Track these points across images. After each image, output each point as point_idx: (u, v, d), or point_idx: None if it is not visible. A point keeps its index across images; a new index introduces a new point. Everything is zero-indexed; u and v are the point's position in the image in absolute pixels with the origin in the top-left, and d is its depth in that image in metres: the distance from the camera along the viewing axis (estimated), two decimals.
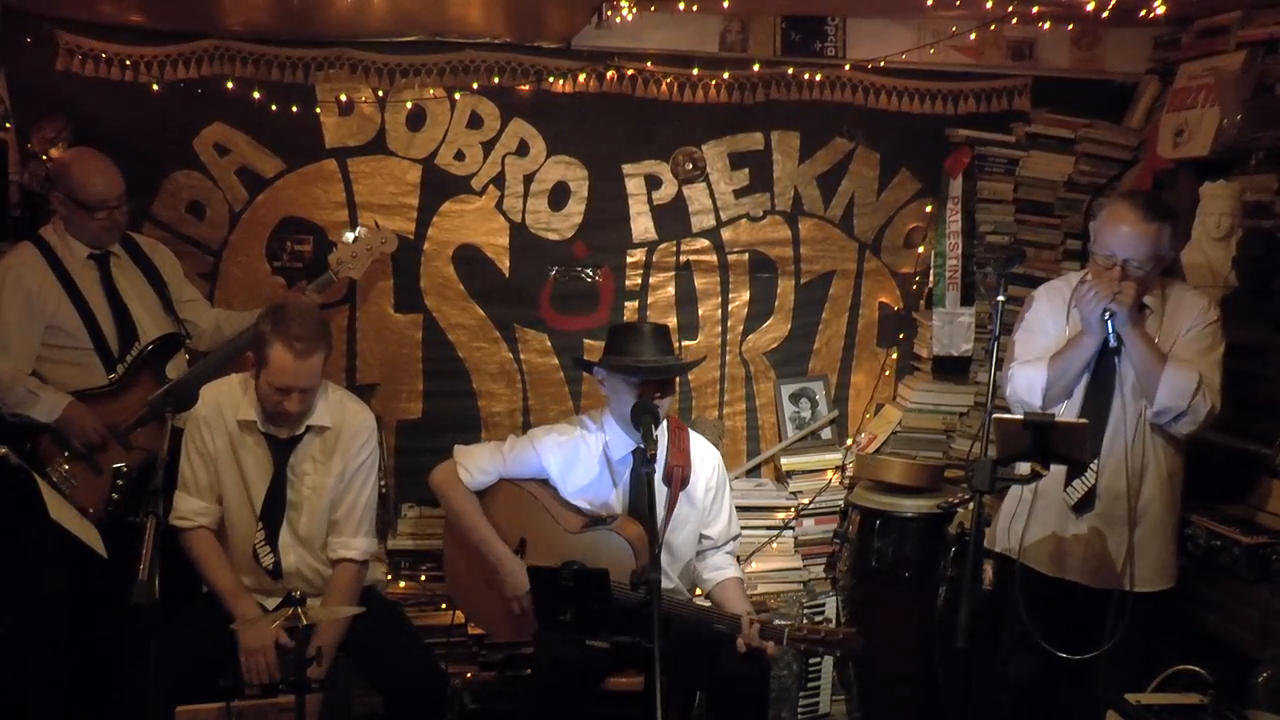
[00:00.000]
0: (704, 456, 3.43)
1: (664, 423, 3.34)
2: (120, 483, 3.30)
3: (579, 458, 3.36)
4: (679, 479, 3.32)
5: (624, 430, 3.31)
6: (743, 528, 3.99)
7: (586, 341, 4.14)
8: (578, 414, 3.69)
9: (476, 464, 3.37)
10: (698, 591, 3.50)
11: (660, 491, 3.27)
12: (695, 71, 4.06)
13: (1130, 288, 2.88)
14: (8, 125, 3.70)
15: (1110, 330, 2.87)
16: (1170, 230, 2.96)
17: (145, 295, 3.53)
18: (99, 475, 3.33)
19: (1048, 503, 3.08)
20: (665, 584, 3.02)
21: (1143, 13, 3.76)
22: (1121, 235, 2.91)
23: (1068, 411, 3.05)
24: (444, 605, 3.83)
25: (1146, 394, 2.95)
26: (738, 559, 3.50)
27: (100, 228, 3.40)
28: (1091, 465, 3.00)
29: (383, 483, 3.40)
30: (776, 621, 3.06)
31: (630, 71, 4.03)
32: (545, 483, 3.39)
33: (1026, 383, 3.03)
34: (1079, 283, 3.03)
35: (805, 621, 3.16)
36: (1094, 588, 3.04)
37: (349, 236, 3.78)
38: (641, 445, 3.23)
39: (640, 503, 3.27)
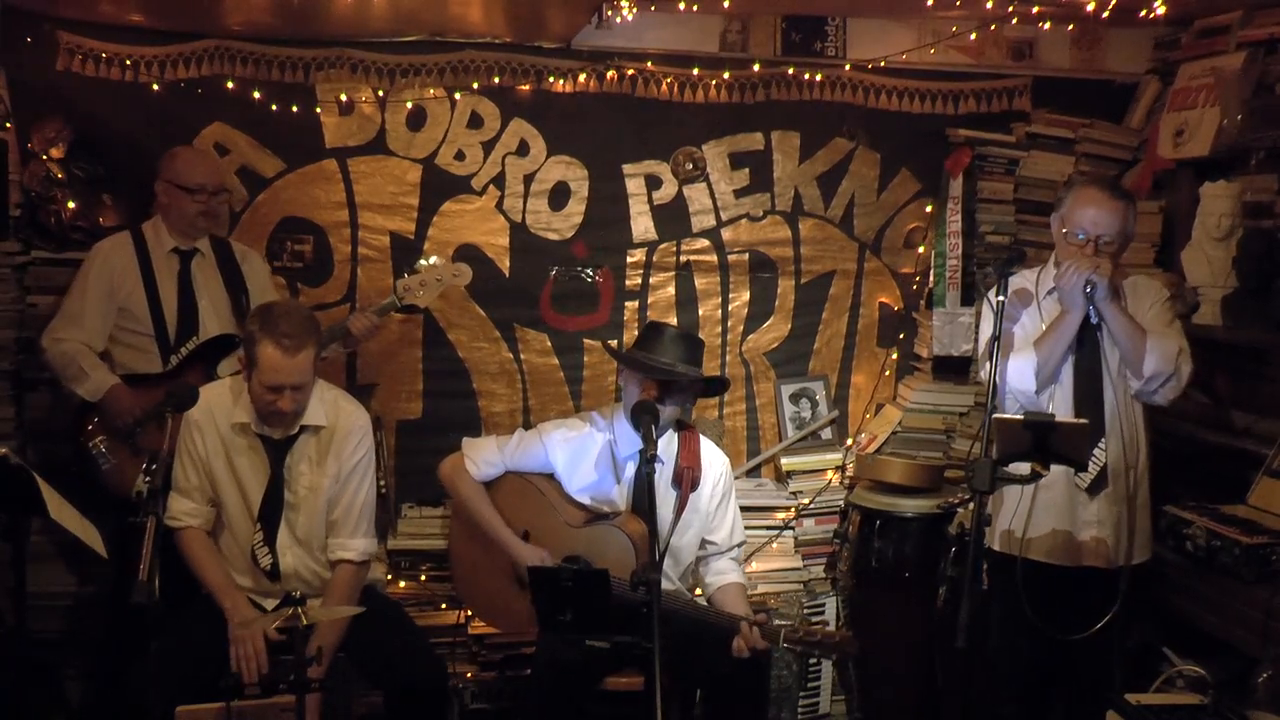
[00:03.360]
0: (712, 461, 3.42)
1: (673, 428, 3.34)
2: (154, 466, 3.33)
3: (586, 453, 3.36)
4: (689, 481, 3.31)
5: (633, 429, 3.31)
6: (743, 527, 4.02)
7: (586, 341, 4.15)
8: (595, 410, 3.66)
9: (483, 456, 3.38)
10: (697, 592, 3.50)
11: (669, 494, 3.27)
12: (695, 71, 4.06)
13: (1106, 262, 2.99)
14: (8, 125, 3.70)
15: (1092, 304, 2.95)
16: (1133, 209, 3.11)
17: (218, 296, 3.62)
18: (136, 457, 3.37)
19: (1054, 495, 3.08)
20: (666, 585, 3.03)
21: (1143, 13, 3.76)
22: (1090, 215, 3.03)
23: (1060, 396, 3.09)
24: (444, 605, 3.84)
25: (1132, 364, 3.03)
26: (742, 566, 3.49)
27: (197, 211, 3.55)
28: (1100, 444, 3.05)
29: (382, 483, 3.41)
30: (775, 623, 3.06)
31: (630, 71, 4.04)
32: (550, 477, 3.40)
33: (1017, 371, 3.04)
34: (1058, 265, 3.10)
35: (802, 624, 3.15)
36: (1097, 568, 3.07)
37: (421, 263, 3.72)
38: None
39: (643, 500, 3.27)
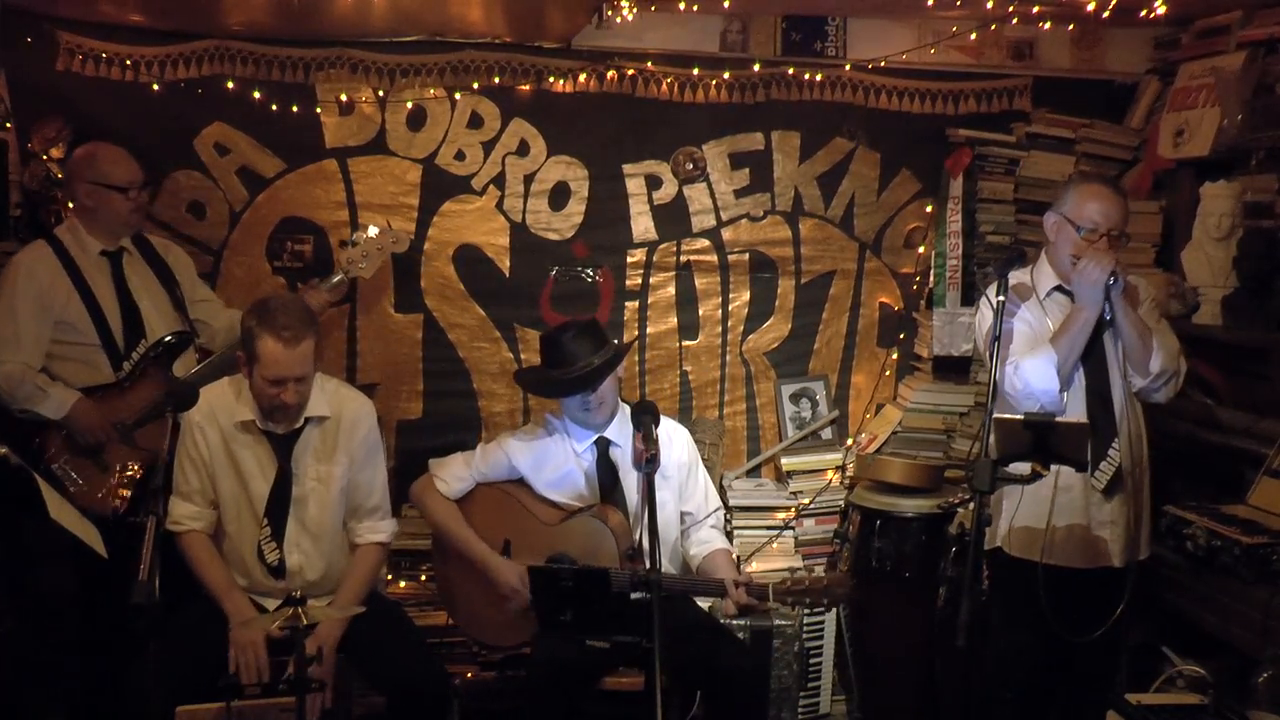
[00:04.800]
0: (671, 436, 3.44)
1: (625, 410, 3.36)
2: (126, 479, 3.31)
3: (549, 454, 3.40)
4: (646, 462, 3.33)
5: (579, 425, 3.37)
6: (743, 527, 4.04)
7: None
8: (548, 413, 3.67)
9: (451, 473, 3.42)
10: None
11: (633, 477, 3.30)
12: (695, 71, 4.07)
13: (1120, 257, 3.01)
14: (8, 125, 3.70)
15: (1108, 299, 2.95)
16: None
17: (156, 294, 3.53)
18: (104, 473, 3.33)
19: (1073, 497, 3.08)
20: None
21: (1143, 13, 3.76)
22: (1100, 208, 3.05)
23: (1073, 397, 3.08)
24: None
25: (1140, 362, 3.02)
26: (725, 533, 3.52)
27: (130, 209, 3.43)
28: (1114, 443, 3.05)
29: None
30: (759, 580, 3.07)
31: (630, 71, 4.04)
32: (521, 481, 3.42)
33: (1037, 370, 3.01)
34: (1052, 263, 3.13)
35: (789, 576, 3.15)
36: (1107, 568, 3.07)
37: (359, 236, 3.76)
38: (604, 434, 3.35)
39: (611, 490, 3.34)
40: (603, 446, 3.37)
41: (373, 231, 3.77)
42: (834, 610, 4.05)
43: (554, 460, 3.40)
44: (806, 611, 3.96)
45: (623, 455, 3.36)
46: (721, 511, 3.54)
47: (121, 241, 3.49)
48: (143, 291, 3.49)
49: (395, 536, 3.33)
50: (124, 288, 3.46)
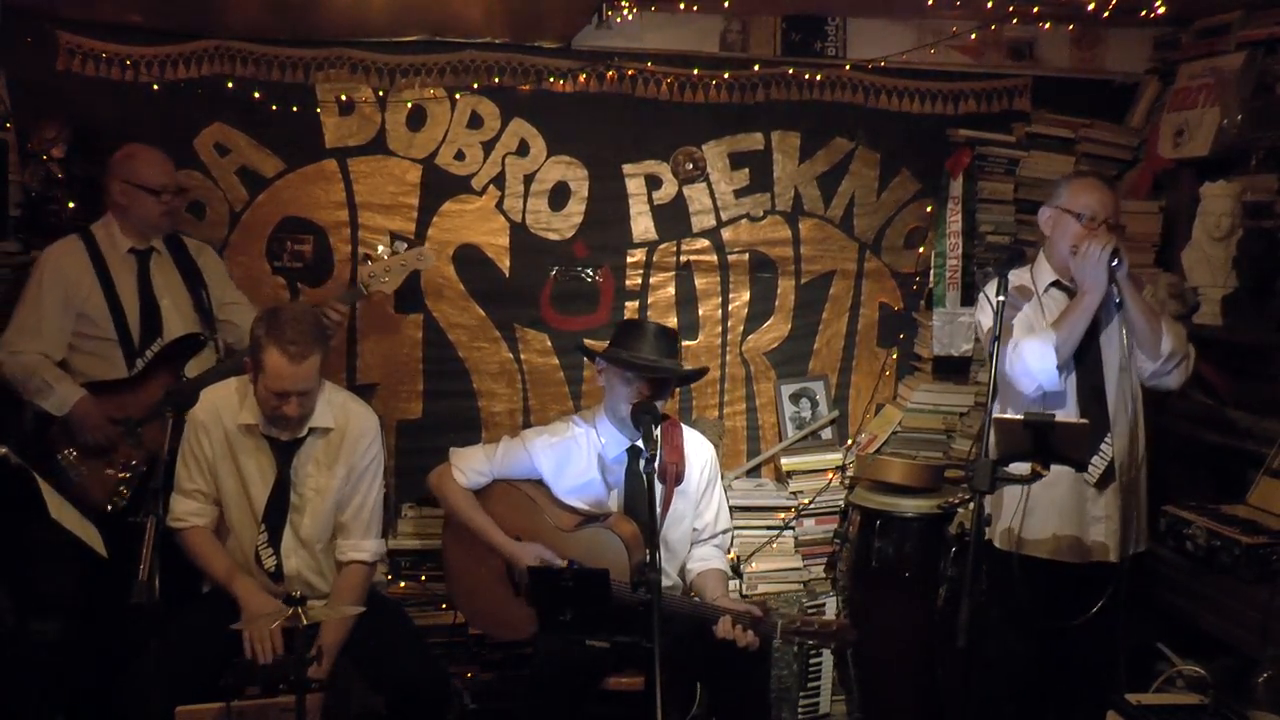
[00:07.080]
0: (698, 451, 3.43)
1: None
2: (127, 475, 3.34)
3: (571, 457, 3.37)
4: (673, 475, 3.32)
5: (619, 429, 3.31)
6: (743, 527, 4.03)
7: (587, 341, 4.14)
8: (575, 413, 3.68)
9: (471, 465, 3.39)
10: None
11: (656, 489, 3.28)
12: (695, 71, 4.07)
13: (1120, 241, 3.02)
14: (8, 125, 3.70)
15: (1113, 281, 2.95)
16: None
17: (179, 295, 3.57)
18: (107, 468, 3.35)
19: (1060, 491, 3.07)
20: (663, 581, 3.03)
21: (1143, 13, 3.77)
22: (1096, 197, 3.09)
23: (1066, 385, 3.08)
24: (444, 605, 3.83)
25: (1150, 344, 3.02)
26: (728, 553, 3.49)
27: (162, 211, 3.50)
28: (1106, 438, 3.06)
29: (383, 483, 3.41)
30: (771, 616, 3.06)
31: (630, 71, 4.04)
32: (539, 482, 3.40)
33: (1035, 350, 3.01)
34: (1074, 246, 3.10)
35: (799, 614, 3.16)
36: (1103, 563, 3.08)
37: (383, 251, 3.74)
38: (636, 443, 3.27)
39: (636, 501, 3.28)
40: (634, 456, 3.32)
41: (399, 247, 3.75)
42: (834, 609, 4.06)
43: (576, 464, 3.36)
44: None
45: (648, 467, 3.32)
46: (731, 534, 3.53)
47: (152, 241, 3.56)
48: (165, 291, 3.55)
49: (380, 558, 3.27)
50: (147, 286, 3.53)
